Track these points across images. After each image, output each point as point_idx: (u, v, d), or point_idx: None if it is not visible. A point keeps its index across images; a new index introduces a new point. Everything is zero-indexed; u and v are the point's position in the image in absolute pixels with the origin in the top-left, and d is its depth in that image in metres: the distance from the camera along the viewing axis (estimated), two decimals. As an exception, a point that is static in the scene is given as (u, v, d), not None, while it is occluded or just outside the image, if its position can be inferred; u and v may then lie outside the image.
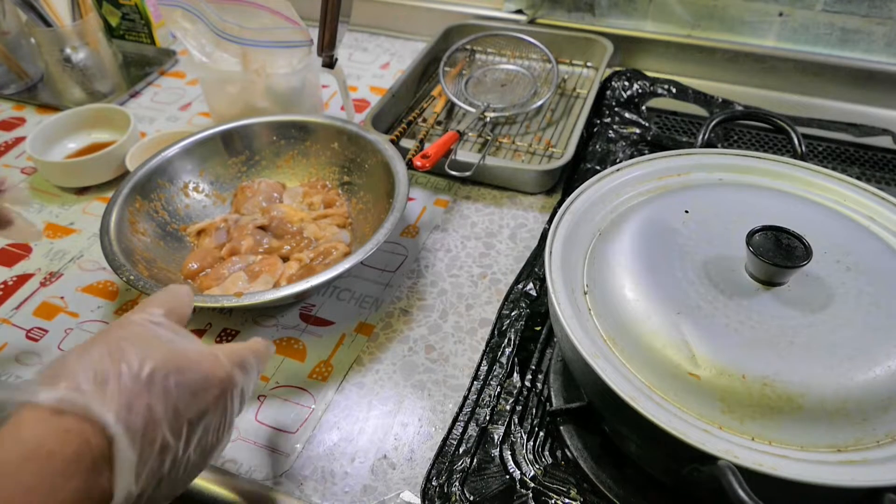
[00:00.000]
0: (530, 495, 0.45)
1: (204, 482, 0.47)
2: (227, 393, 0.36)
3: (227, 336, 0.58)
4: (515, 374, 0.53)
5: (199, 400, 0.33)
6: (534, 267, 0.62)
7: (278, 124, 0.71)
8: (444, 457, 0.47)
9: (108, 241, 0.57)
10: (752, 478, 0.33)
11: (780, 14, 0.86)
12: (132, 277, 0.53)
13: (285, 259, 0.62)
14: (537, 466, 0.47)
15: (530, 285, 0.60)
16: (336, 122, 0.70)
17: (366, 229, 0.65)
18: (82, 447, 0.28)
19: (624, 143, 0.78)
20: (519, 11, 0.98)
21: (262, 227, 0.65)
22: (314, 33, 0.72)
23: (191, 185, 0.68)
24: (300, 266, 0.61)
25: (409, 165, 0.66)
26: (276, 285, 0.59)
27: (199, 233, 0.66)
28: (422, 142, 0.73)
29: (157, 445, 0.31)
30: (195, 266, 0.61)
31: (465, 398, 0.51)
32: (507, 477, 0.46)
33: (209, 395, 0.34)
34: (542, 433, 0.49)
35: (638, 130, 0.80)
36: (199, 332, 0.58)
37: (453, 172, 0.69)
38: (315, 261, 0.61)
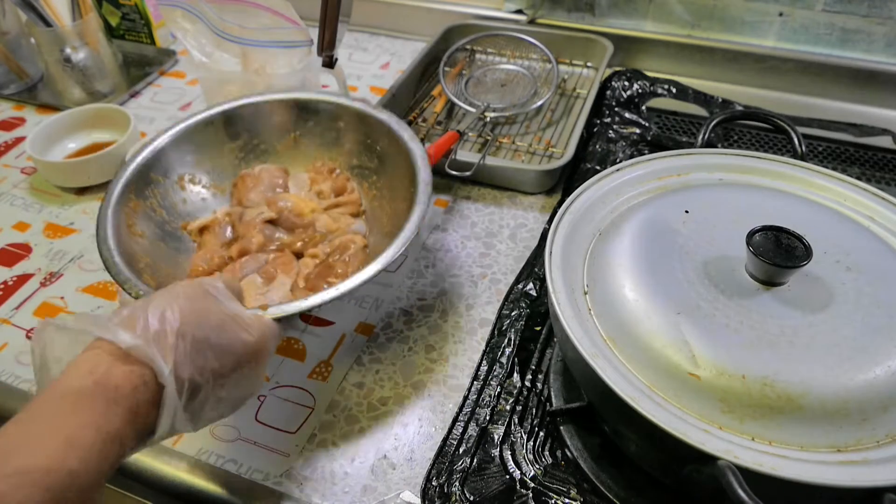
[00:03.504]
0: (530, 495, 0.45)
1: (204, 482, 0.47)
2: (261, 361, 0.41)
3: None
4: (515, 374, 0.53)
5: (238, 365, 0.39)
6: (534, 267, 0.62)
7: (276, 104, 0.65)
8: (444, 457, 0.47)
9: (107, 250, 0.51)
10: (752, 478, 0.33)
11: (780, 14, 0.86)
12: (141, 293, 0.48)
13: (299, 255, 0.58)
14: (537, 466, 0.47)
15: (530, 285, 0.60)
16: (341, 100, 0.64)
17: (383, 218, 0.60)
18: (140, 387, 0.34)
19: (624, 143, 0.78)
20: (519, 11, 0.98)
21: (271, 221, 0.60)
22: (314, 33, 0.72)
23: (186, 177, 0.63)
24: (316, 263, 0.57)
25: None
26: (294, 287, 0.55)
27: (202, 230, 0.61)
28: (422, 141, 0.73)
29: (197, 399, 0.37)
30: (204, 266, 0.57)
31: (465, 398, 0.51)
32: (507, 477, 0.46)
33: (245, 362, 0.40)
34: (542, 433, 0.49)
35: (638, 130, 0.80)
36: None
37: (454, 172, 0.69)
38: (332, 256, 0.57)
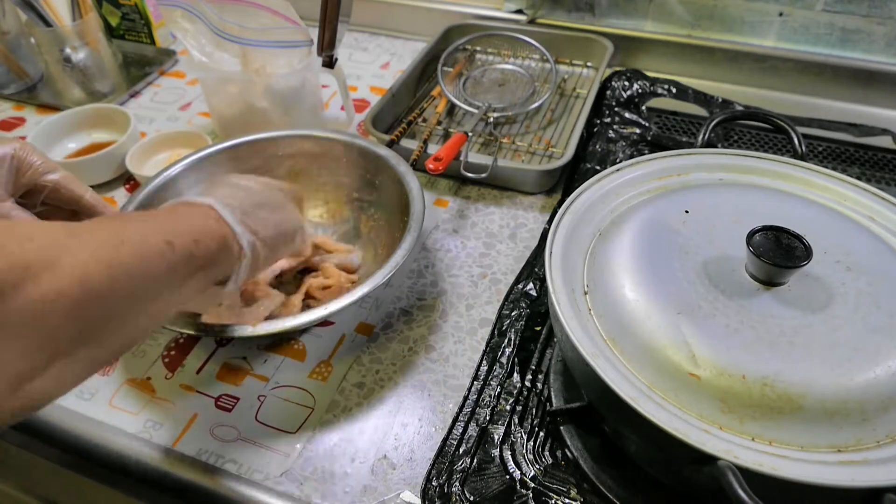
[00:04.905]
0: (530, 495, 0.45)
1: (204, 482, 0.47)
2: (298, 236, 0.52)
3: (222, 341, 0.58)
4: (515, 374, 0.53)
5: (284, 239, 0.49)
6: (534, 267, 0.62)
7: (284, 139, 0.67)
8: (444, 457, 0.47)
9: None
10: (752, 478, 0.33)
11: (780, 14, 0.86)
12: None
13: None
14: (537, 466, 0.47)
15: (530, 285, 0.60)
16: (345, 137, 0.67)
17: (378, 248, 0.63)
18: (224, 237, 0.42)
19: (624, 143, 0.78)
20: (519, 11, 0.98)
21: None
22: (314, 33, 0.72)
23: None
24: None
25: (414, 167, 0.65)
26: (287, 304, 0.57)
27: None
28: (426, 142, 0.73)
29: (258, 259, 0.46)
30: None
31: (465, 398, 0.51)
32: (507, 477, 0.46)
33: (288, 235, 0.50)
34: (542, 433, 0.49)
35: (638, 130, 0.80)
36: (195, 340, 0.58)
37: (470, 175, 0.69)
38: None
